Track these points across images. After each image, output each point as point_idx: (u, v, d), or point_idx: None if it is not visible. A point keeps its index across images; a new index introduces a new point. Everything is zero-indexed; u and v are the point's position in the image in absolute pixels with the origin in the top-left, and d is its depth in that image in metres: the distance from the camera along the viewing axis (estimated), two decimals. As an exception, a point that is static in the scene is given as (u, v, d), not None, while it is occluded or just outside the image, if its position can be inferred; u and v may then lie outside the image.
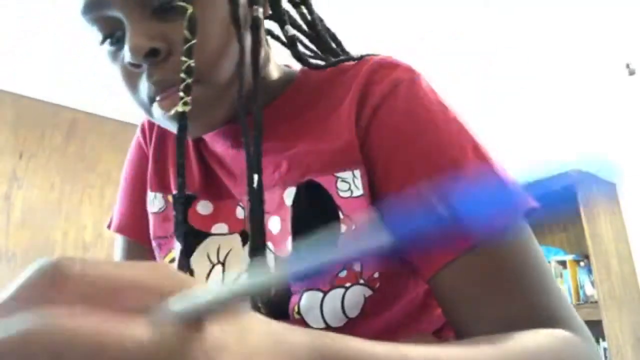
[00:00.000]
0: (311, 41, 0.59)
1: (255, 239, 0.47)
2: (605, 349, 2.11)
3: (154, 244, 0.60)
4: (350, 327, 0.48)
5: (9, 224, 2.54)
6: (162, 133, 0.63)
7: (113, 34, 0.48)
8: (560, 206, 0.14)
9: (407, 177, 0.47)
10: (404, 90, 0.49)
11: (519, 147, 2.68)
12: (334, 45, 0.59)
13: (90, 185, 2.82)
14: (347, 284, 0.48)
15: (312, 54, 0.59)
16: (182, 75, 0.45)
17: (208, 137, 0.59)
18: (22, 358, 0.16)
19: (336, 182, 0.49)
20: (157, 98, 0.47)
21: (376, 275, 0.48)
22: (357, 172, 0.49)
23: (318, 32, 0.58)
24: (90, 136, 2.88)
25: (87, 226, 2.76)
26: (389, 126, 0.49)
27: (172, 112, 0.46)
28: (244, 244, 0.54)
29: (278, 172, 0.52)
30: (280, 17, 0.55)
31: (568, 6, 2.15)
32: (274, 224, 0.51)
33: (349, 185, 0.49)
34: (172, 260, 0.57)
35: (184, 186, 0.49)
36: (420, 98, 0.49)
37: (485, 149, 0.48)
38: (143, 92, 0.48)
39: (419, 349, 0.30)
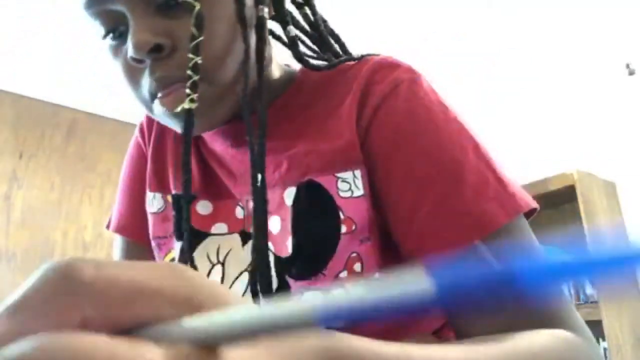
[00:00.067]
0: (314, 42, 0.59)
1: (259, 240, 0.47)
2: (605, 349, 2.11)
3: (153, 244, 0.59)
4: (350, 327, 0.48)
5: (9, 224, 2.54)
6: (161, 132, 0.63)
7: (116, 29, 0.48)
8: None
9: (408, 177, 0.47)
10: (405, 90, 0.49)
11: (519, 146, 2.67)
12: (337, 46, 0.59)
13: (90, 185, 2.83)
14: (350, 283, 0.48)
15: (313, 54, 0.59)
16: (189, 72, 0.45)
17: (207, 136, 0.59)
18: None
19: (337, 182, 0.49)
20: (159, 94, 0.47)
21: (377, 275, 0.48)
22: (358, 172, 0.49)
23: (321, 33, 0.58)
24: (90, 136, 2.88)
25: (87, 226, 2.76)
26: (390, 126, 0.49)
27: (179, 109, 0.46)
28: (243, 243, 0.54)
29: (278, 172, 0.52)
30: (283, 17, 0.55)
31: (568, 7, 2.15)
32: (274, 223, 0.51)
33: (349, 185, 0.49)
34: (172, 260, 0.57)
35: (189, 184, 0.49)
36: (421, 98, 0.49)
37: (486, 149, 0.48)
38: (145, 88, 0.48)
39: (425, 350, 0.30)
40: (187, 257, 0.50)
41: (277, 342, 0.21)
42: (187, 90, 0.45)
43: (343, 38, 0.61)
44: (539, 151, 2.65)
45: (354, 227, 0.48)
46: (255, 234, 0.47)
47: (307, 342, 0.24)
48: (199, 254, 0.54)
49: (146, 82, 0.48)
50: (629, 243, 0.12)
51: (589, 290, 2.36)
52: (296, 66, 0.59)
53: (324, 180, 0.49)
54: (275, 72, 0.57)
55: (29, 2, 2.03)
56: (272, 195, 0.51)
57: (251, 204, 0.54)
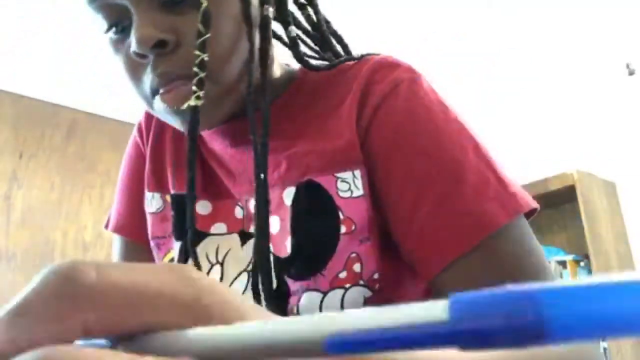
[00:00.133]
0: (315, 42, 0.59)
1: (260, 240, 0.47)
2: (605, 349, 2.11)
3: (152, 244, 0.59)
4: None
5: (9, 224, 2.54)
6: (159, 132, 0.63)
7: (118, 23, 0.48)
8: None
9: (408, 177, 0.47)
10: (405, 90, 0.49)
11: (519, 146, 2.68)
12: (339, 47, 0.59)
13: (90, 185, 2.83)
14: (347, 285, 0.47)
15: (313, 55, 0.59)
16: (195, 69, 0.45)
17: (206, 135, 0.59)
18: None
19: (336, 182, 0.49)
20: (161, 90, 0.47)
21: (376, 276, 0.48)
22: (358, 172, 0.49)
23: (323, 34, 0.58)
24: (90, 136, 2.88)
25: (87, 226, 2.76)
26: (390, 126, 0.49)
27: (184, 106, 0.46)
28: (242, 243, 0.54)
29: (277, 172, 0.52)
30: (284, 18, 0.55)
31: (568, 7, 2.15)
32: (274, 223, 0.51)
33: (349, 185, 0.49)
34: (171, 261, 0.57)
35: (194, 183, 0.49)
36: (421, 98, 0.49)
37: (486, 149, 0.48)
38: (146, 84, 0.48)
39: (425, 350, 0.30)
40: (192, 257, 0.50)
41: None
42: (193, 87, 0.45)
43: (344, 38, 0.61)
44: (538, 151, 2.65)
45: (353, 227, 0.48)
46: (257, 234, 0.47)
47: None
48: (197, 254, 0.54)
49: (148, 77, 0.47)
50: None
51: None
52: (296, 65, 0.59)
53: (323, 180, 0.49)
54: (277, 71, 0.57)
55: (29, 2, 2.03)
56: (271, 195, 0.51)
57: (251, 204, 0.54)
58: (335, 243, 0.48)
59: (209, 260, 0.54)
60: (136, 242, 0.62)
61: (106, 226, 0.66)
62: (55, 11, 2.07)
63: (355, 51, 0.59)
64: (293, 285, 0.49)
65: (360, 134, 0.50)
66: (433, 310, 0.13)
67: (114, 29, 0.49)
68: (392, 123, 0.49)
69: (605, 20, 2.24)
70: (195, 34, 0.45)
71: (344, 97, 0.52)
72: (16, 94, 2.67)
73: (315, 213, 0.49)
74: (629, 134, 2.42)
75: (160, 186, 0.60)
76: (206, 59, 0.45)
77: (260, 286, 0.47)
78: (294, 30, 0.55)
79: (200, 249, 0.54)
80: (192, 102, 0.45)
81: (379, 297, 0.48)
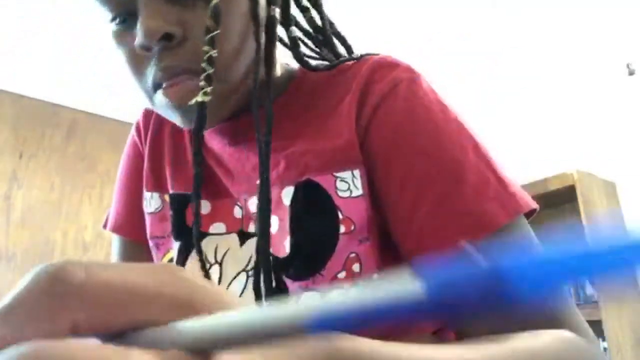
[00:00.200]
0: (317, 44, 0.59)
1: (262, 239, 0.46)
2: (605, 349, 2.11)
3: (150, 243, 0.59)
4: (345, 332, 0.47)
5: (9, 224, 2.54)
6: (158, 131, 0.63)
7: (123, 14, 0.47)
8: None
9: (407, 177, 0.46)
10: (404, 90, 0.49)
11: (519, 146, 2.67)
12: (343, 48, 0.59)
13: (90, 185, 2.83)
14: (346, 285, 0.47)
15: (314, 55, 0.59)
16: (203, 65, 0.44)
17: (205, 134, 0.59)
18: None
19: (335, 181, 0.49)
20: (164, 84, 0.46)
21: (375, 276, 0.48)
22: (357, 172, 0.49)
23: (327, 36, 0.58)
24: (90, 136, 2.88)
25: (87, 226, 2.76)
26: (389, 125, 0.49)
27: (192, 101, 0.45)
28: (241, 243, 0.53)
29: (276, 171, 0.52)
30: (287, 19, 0.55)
31: (570, 7, 2.15)
32: (272, 223, 0.50)
33: (348, 185, 0.49)
34: (170, 260, 0.57)
35: (200, 180, 0.48)
36: (420, 97, 0.49)
37: (486, 149, 0.48)
38: (149, 77, 0.47)
39: (425, 350, 0.30)
40: (198, 256, 0.50)
41: (274, 348, 0.21)
42: (202, 83, 0.44)
43: (347, 38, 0.61)
44: (539, 151, 2.65)
45: (352, 227, 0.48)
46: (260, 233, 0.47)
47: (306, 343, 0.23)
48: (196, 254, 0.54)
49: (151, 71, 0.47)
50: (629, 235, 0.12)
51: (589, 290, 2.36)
52: (294, 65, 0.59)
53: (322, 180, 0.49)
54: (277, 71, 0.57)
55: (29, 2, 2.03)
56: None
57: (249, 203, 0.54)
58: (335, 243, 0.48)
59: (207, 260, 0.54)
60: (135, 241, 0.62)
61: (104, 226, 0.65)
62: (55, 11, 2.07)
63: (359, 52, 0.59)
64: (292, 285, 0.48)
65: (360, 133, 0.49)
66: (410, 286, 0.14)
67: (117, 19, 0.48)
68: (391, 123, 0.48)
69: (606, 21, 2.24)
70: (202, 29, 0.45)
71: (343, 96, 0.52)
72: (16, 94, 2.67)
73: (314, 213, 0.49)
74: (629, 134, 2.42)
75: (158, 186, 0.60)
76: (215, 55, 0.44)
77: (262, 284, 0.47)
78: (295, 30, 0.55)
79: None
80: (199, 97, 0.44)
81: None
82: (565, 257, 0.12)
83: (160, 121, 0.64)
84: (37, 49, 2.32)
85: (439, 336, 0.53)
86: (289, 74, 0.58)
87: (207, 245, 0.54)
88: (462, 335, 0.43)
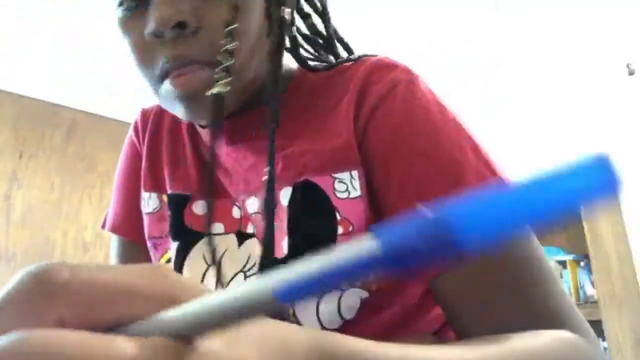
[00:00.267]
0: (317, 48, 0.59)
1: (266, 239, 0.46)
2: (605, 349, 2.10)
3: (149, 244, 0.59)
4: (346, 329, 0.47)
5: (9, 224, 2.54)
6: (156, 131, 0.63)
7: (133, 1, 0.47)
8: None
9: (406, 178, 0.46)
10: (402, 91, 0.49)
11: (520, 146, 2.67)
12: (346, 53, 0.59)
13: (90, 185, 2.82)
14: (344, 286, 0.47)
15: (312, 56, 0.59)
16: (220, 57, 0.44)
17: (204, 133, 0.58)
18: None
19: (333, 182, 0.49)
20: (173, 73, 0.46)
21: (372, 277, 0.48)
22: (355, 173, 0.48)
23: (331, 43, 0.58)
24: (90, 136, 2.88)
25: (87, 226, 2.76)
26: (387, 126, 0.48)
27: (209, 92, 0.45)
28: (239, 244, 0.53)
29: None
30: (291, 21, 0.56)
31: (570, 8, 2.15)
32: None
33: (346, 186, 0.48)
34: (168, 261, 0.56)
35: (212, 176, 0.48)
36: (419, 98, 0.49)
37: (485, 150, 0.48)
38: (157, 66, 0.47)
39: (419, 349, 0.30)
40: (211, 258, 0.49)
41: (269, 347, 0.21)
42: (219, 75, 0.44)
43: (350, 40, 0.61)
44: (539, 151, 2.65)
45: (350, 229, 0.48)
46: (265, 233, 0.47)
47: (299, 343, 0.23)
48: (194, 255, 0.54)
49: (160, 59, 0.46)
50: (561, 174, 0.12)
51: (589, 290, 2.36)
52: (292, 65, 0.59)
53: (320, 181, 0.49)
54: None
55: (29, 2, 2.03)
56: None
57: (247, 203, 0.54)
58: (332, 244, 0.48)
59: (205, 261, 0.54)
60: (133, 242, 0.62)
61: (103, 226, 0.65)
62: (55, 11, 2.07)
63: (359, 53, 0.59)
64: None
65: (358, 134, 0.49)
66: (364, 244, 0.15)
67: (125, 4, 0.47)
68: (390, 124, 0.48)
69: (606, 21, 2.24)
70: (216, 20, 0.45)
71: (342, 97, 0.51)
72: (16, 94, 2.67)
73: (312, 214, 0.49)
74: (629, 134, 2.42)
75: (156, 186, 0.60)
76: (233, 47, 0.44)
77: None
78: (295, 31, 0.56)
79: (197, 249, 0.54)
80: (217, 89, 0.44)
81: (375, 298, 0.48)
82: (507, 201, 0.13)
83: (159, 121, 0.63)
84: (37, 49, 2.32)
85: (439, 336, 0.53)
86: (288, 75, 0.58)
87: (205, 245, 0.54)
88: (461, 335, 0.43)
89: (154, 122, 0.63)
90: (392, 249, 0.14)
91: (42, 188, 2.67)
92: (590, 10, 2.18)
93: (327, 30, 0.58)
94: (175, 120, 0.62)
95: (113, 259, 0.64)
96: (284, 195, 0.50)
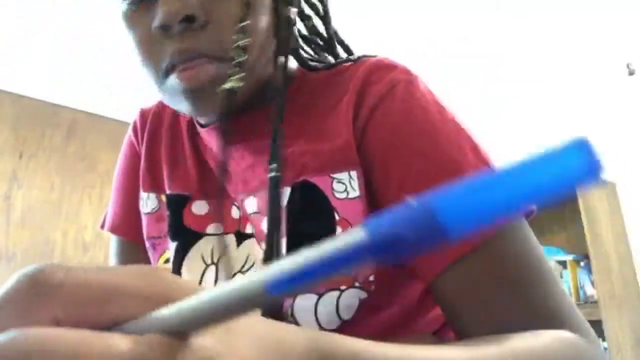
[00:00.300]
0: (316, 49, 0.59)
1: (272, 239, 0.46)
2: (605, 349, 2.10)
3: (147, 244, 0.59)
4: (345, 329, 0.47)
5: (9, 224, 2.54)
6: (154, 131, 0.63)
7: None
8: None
9: (405, 178, 0.46)
10: (401, 91, 0.49)
11: (520, 146, 2.67)
12: (346, 55, 0.59)
13: (90, 185, 2.82)
14: (342, 287, 0.47)
15: (311, 57, 0.59)
16: (233, 53, 0.45)
17: (204, 132, 0.58)
18: None
19: (332, 183, 0.49)
20: (180, 67, 0.46)
21: (371, 278, 0.47)
22: (354, 174, 0.48)
23: (331, 45, 0.59)
24: (90, 136, 2.88)
25: (87, 226, 2.76)
26: (386, 127, 0.48)
27: (222, 87, 0.45)
28: (238, 244, 0.53)
29: None
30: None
31: (570, 9, 2.15)
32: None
33: (345, 186, 0.48)
34: (167, 261, 0.56)
35: (226, 172, 0.48)
36: (418, 99, 0.49)
37: (484, 150, 0.48)
38: (163, 59, 0.46)
39: (419, 350, 0.30)
40: (227, 258, 0.49)
41: (265, 346, 0.21)
42: (233, 70, 0.44)
43: (352, 41, 0.61)
44: (539, 151, 2.65)
45: (349, 229, 0.48)
46: (269, 231, 0.47)
47: (296, 343, 0.23)
48: (193, 255, 0.54)
49: (166, 52, 0.46)
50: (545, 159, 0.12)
51: (589, 290, 2.36)
52: (291, 65, 0.59)
53: (319, 181, 0.49)
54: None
55: (29, 2, 2.03)
56: (265, 195, 0.51)
57: (246, 204, 0.53)
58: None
59: (204, 261, 0.54)
60: (132, 242, 0.62)
61: (102, 226, 0.65)
62: (55, 11, 2.07)
63: (358, 53, 0.59)
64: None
65: (357, 134, 0.49)
66: (352, 234, 0.15)
67: None
68: (389, 124, 0.48)
69: (606, 21, 2.24)
70: (225, 15, 0.45)
71: (341, 97, 0.51)
72: (16, 94, 2.67)
73: (311, 214, 0.49)
74: (629, 134, 2.42)
75: (155, 186, 0.60)
76: (247, 43, 0.45)
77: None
78: (296, 31, 0.56)
79: (195, 250, 0.54)
80: (230, 84, 0.44)
81: (374, 298, 0.48)
82: (490, 187, 0.13)
83: (158, 121, 0.63)
84: (37, 49, 2.32)
85: (439, 336, 0.53)
86: (289, 74, 0.58)
87: (203, 245, 0.54)
88: (461, 335, 0.43)
89: (153, 122, 0.63)
90: (379, 237, 0.14)
91: (42, 188, 2.67)
92: (591, 11, 2.18)
93: (327, 32, 0.58)
94: (174, 120, 0.62)
95: (112, 259, 0.64)
96: (283, 196, 0.50)
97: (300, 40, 0.58)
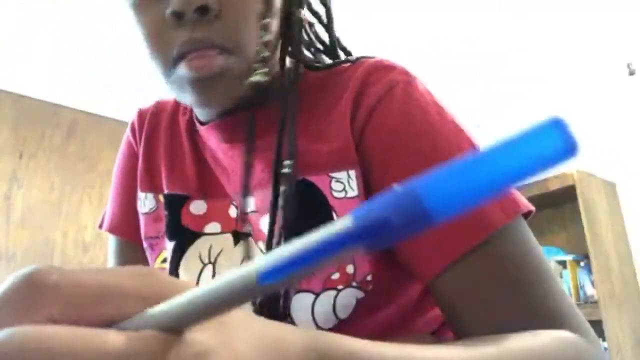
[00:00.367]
0: (316, 53, 0.60)
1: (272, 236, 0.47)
2: (605, 349, 2.10)
3: (145, 244, 0.59)
4: (342, 328, 0.47)
5: (9, 224, 2.54)
6: (152, 131, 0.63)
7: None
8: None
9: (404, 179, 0.46)
10: (400, 92, 0.49)
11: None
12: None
13: (90, 185, 2.82)
14: (339, 287, 0.47)
15: (310, 59, 0.59)
16: (258, 47, 0.47)
17: (203, 131, 0.58)
18: None
19: (330, 182, 0.49)
20: (190, 56, 0.46)
21: (369, 277, 0.47)
22: (352, 173, 0.48)
23: (333, 52, 0.59)
24: (90, 136, 2.88)
25: (87, 226, 2.76)
26: (385, 127, 0.48)
27: (250, 80, 0.46)
28: (235, 243, 0.53)
29: (269, 170, 0.51)
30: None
31: (570, 9, 2.15)
32: (265, 223, 0.50)
33: (343, 185, 0.48)
34: (164, 261, 0.56)
35: (249, 168, 0.49)
36: (416, 100, 0.49)
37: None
38: (173, 48, 0.46)
39: (417, 349, 0.30)
40: (245, 258, 0.50)
41: (261, 345, 0.21)
42: (255, 65, 0.46)
43: (355, 42, 0.61)
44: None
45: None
46: (270, 231, 0.47)
47: (293, 343, 0.23)
48: (190, 254, 0.54)
49: (177, 41, 0.46)
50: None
51: (589, 290, 2.36)
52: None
53: (317, 180, 0.49)
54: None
55: (29, 2, 2.03)
56: (263, 194, 0.50)
57: (244, 203, 0.53)
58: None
59: (201, 260, 0.53)
60: (130, 242, 0.62)
61: (100, 226, 0.65)
62: (55, 11, 2.07)
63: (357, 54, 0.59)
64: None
65: (355, 135, 0.49)
66: (340, 223, 0.15)
67: None
68: (387, 125, 0.48)
69: (606, 21, 2.24)
70: (238, 8, 0.46)
71: (339, 98, 0.51)
72: (16, 94, 2.67)
73: (309, 213, 0.49)
74: (629, 134, 2.42)
75: (153, 186, 0.60)
76: (269, 40, 0.46)
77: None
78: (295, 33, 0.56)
79: (193, 249, 0.54)
80: (256, 77, 0.45)
81: (371, 298, 0.48)
82: (472, 169, 0.13)
83: (156, 120, 0.63)
84: (37, 49, 2.32)
85: (438, 336, 0.53)
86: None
87: (201, 245, 0.54)
88: (460, 335, 0.43)
89: (151, 121, 0.63)
90: (365, 222, 0.15)
91: (42, 188, 2.67)
92: (591, 11, 2.18)
93: (330, 39, 0.59)
94: (173, 119, 0.62)
95: (111, 259, 0.64)
96: (281, 194, 0.50)
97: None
